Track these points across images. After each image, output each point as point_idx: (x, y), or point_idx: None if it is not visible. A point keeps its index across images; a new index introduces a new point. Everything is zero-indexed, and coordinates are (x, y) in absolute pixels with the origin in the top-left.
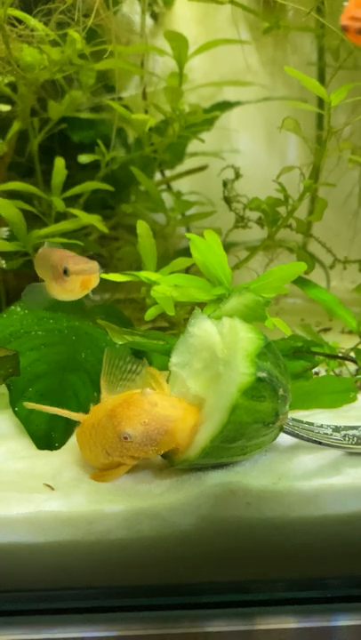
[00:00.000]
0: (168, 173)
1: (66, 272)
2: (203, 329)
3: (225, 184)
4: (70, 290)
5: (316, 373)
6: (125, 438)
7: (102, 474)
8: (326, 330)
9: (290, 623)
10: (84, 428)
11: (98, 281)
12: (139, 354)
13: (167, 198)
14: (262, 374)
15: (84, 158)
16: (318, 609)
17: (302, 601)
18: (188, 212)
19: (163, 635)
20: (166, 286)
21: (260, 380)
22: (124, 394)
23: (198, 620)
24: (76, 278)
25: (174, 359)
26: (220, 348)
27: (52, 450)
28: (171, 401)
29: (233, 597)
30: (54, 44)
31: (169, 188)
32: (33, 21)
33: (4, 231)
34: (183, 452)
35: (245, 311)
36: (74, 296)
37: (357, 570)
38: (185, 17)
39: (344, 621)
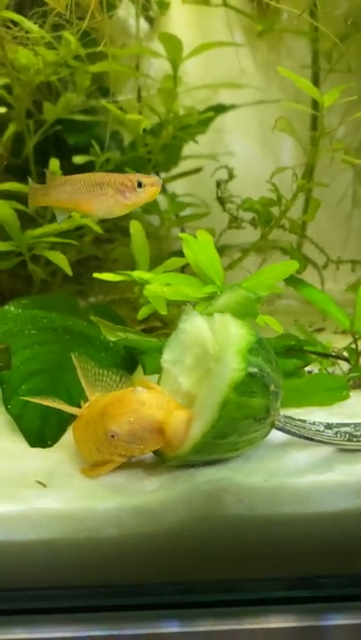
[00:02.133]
0: (163, 176)
1: (140, 185)
2: (194, 325)
3: (218, 184)
4: (138, 202)
5: (310, 372)
6: (112, 436)
7: (90, 468)
8: (320, 330)
9: (282, 622)
10: (80, 424)
11: None
12: (132, 354)
13: (161, 200)
14: (253, 370)
15: (78, 159)
16: (311, 608)
17: (295, 600)
18: (183, 214)
19: (154, 634)
20: (158, 285)
21: (250, 375)
22: (118, 391)
23: (191, 619)
24: (150, 189)
25: (166, 356)
26: (212, 344)
27: (44, 447)
28: (160, 401)
29: (225, 596)
30: (49, 46)
31: (163, 190)
32: (28, 23)
33: None
34: (173, 451)
35: (237, 307)
36: (132, 208)
37: (350, 568)
38: (180, 21)
39: (337, 620)
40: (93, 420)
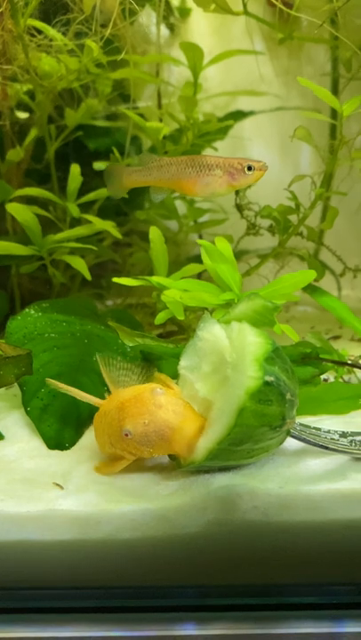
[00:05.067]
0: None
1: (250, 168)
2: (212, 333)
3: (237, 191)
4: (245, 183)
5: (326, 380)
6: (126, 434)
7: (104, 465)
8: (336, 337)
9: (295, 628)
10: (99, 415)
11: None
12: (148, 359)
13: (180, 205)
14: (270, 378)
15: (99, 165)
16: (324, 614)
17: (307, 606)
18: (201, 220)
19: (169, 636)
20: (176, 291)
21: (267, 383)
22: (137, 387)
23: (203, 623)
24: (258, 173)
25: (183, 362)
26: (229, 351)
27: (62, 450)
28: (176, 406)
29: (238, 601)
30: (72, 53)
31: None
32: (52, 31)
33: None
34: (183, 458)
35: (254, 316)
36: (238, 189)
37: None
38: (200, 28)
39: (350, 627)
40: (110, 413)
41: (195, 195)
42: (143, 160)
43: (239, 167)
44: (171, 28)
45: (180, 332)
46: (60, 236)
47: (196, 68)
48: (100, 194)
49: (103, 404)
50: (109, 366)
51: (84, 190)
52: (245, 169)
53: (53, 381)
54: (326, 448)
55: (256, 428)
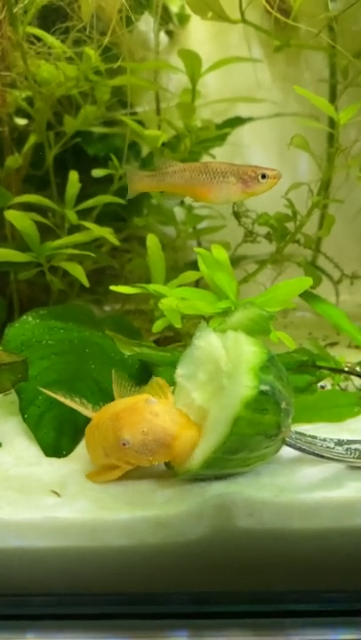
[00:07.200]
0: None
1: (264, 176)
2: (208, 342)
3: None
4: (259, 191)
5: (323, 387)
6: (124, 444)
7: (97, 473)
8: (333, 344)
9: (290, 635)
10: (91, 427)
11: None
12: (146, 366)
13: (178, 212)
14: (265, 387)
15: (97, 172)
16: (319, 622)
17: (303, 613)
18: (199, 226)
19: None
20: (173, 299)
21: (262, 392)
22: (130, 398)
23: (198, 630)
24: (272, 181)
25: (180, 371)
26: (225, 360)
27: (59, 457)
28: (172, 414)
29: (233, 608)
30: (71, 60)
31: (181, 202)
32: (51, 39)
33: None
34: (179, 465)
35: (250, 325)
36: (251, 196)
37: (358, 583)
38: (198, 34)
39: (345, 635)
40: (104, 425)
41: (208, 201)
42: (157, 165)
43: (253, 175)
44: (169, 34)
45: (177, 337)
46: (58, 242)
47: (194, 76)
48: (98, 200)
49: (95, 417)
50: (120, 385)
51: (82, 196)
52: (259, 177)
53: (46, 390)
54: (322, 456)
55: (251, 436)
